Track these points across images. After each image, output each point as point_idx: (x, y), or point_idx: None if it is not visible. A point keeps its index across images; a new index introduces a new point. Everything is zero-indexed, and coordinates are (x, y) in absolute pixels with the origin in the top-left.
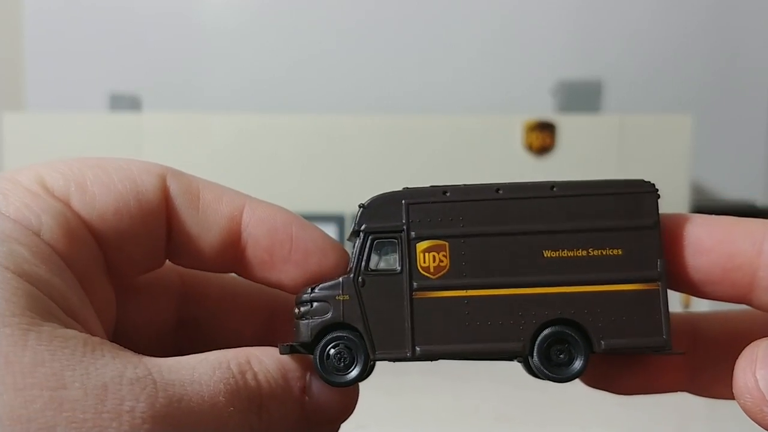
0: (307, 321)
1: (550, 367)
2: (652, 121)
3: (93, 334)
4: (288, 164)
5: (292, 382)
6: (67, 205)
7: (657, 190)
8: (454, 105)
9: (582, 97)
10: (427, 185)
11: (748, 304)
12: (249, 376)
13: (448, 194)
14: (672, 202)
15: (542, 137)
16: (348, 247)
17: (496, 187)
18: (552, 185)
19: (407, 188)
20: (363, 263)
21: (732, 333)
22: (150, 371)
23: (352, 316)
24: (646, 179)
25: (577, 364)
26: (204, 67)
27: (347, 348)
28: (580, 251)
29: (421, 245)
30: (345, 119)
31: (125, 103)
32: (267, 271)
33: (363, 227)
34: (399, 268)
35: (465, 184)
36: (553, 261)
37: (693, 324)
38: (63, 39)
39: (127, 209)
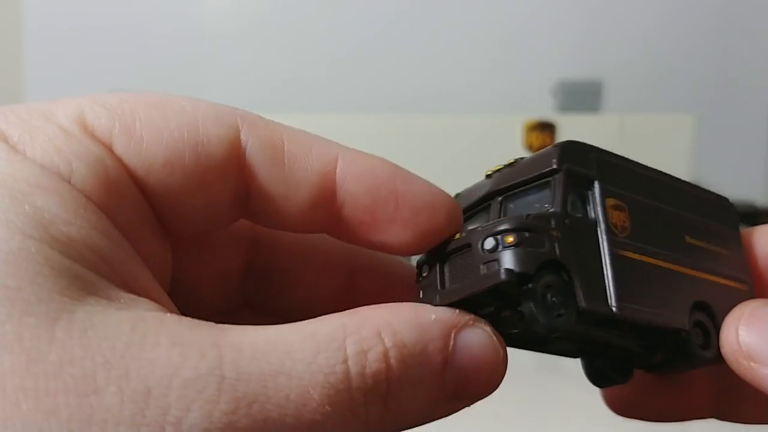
0: (529, 249)
1: (698, 348)
2: (653, 121)
3: (153, 298)
4: None
5: (432, 356)
6: (108, 149)
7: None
8: (454, 105)
9: (582, 97)
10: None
11: None
12: (373, 355)
13: (623, 161)
14: None
15: (542, 137)
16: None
17: (652, 169)
18: (680, 180)
19: (590, 144)
20: (567, 204)
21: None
22: (221, 361)
23: (567, 255)
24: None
25: (714, 348)
26: (204, 66)
27: (559, 292)
28: (705, 243)
29: (610, 201)
30: (344, 119)
31: None
32: (368, 234)
33: (565, 166)
34: (593, 218)
35: (636, 162)
36: (691, 247)
37: None
38: (63, 39)
39: (181, 163)
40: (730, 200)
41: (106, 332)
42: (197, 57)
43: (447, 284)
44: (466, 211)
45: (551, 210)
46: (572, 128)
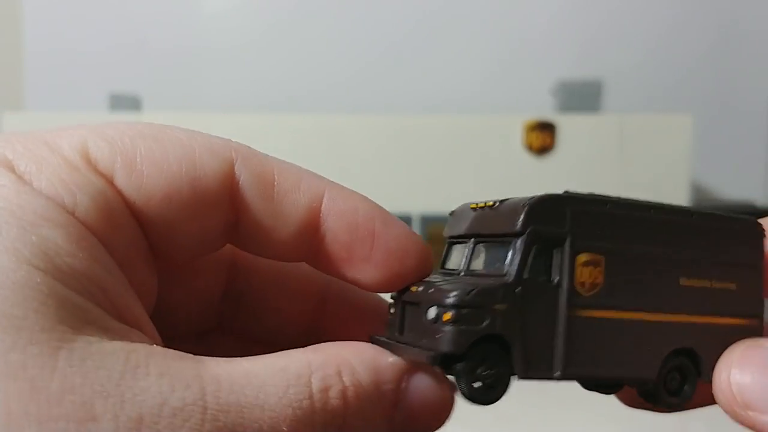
0: (461, 327)
1: (665, 394)
2: (652, 121)
3: (142, 329)
4: None
5: (385, 396)
6: (109, 182)
7: (764, 231)
8: (454, 105)
9: (582, 97)
10: (586, 192)
11: None
12: (334, 393)
13: (608, 206)
14: (672, 202)
15: (542, 137)
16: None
17: (649, 207)
18: (692, 213)
19: (568, 192)
20: (523, 270)
21: None
22: (204, 393)
23: (508, 328)
24: (757, 220)
25: (688, 391)
26: (204, 67)
27: (494, 364)
28: (706, 282)
29: (581, 257)
30: (345, 119)
31: (125, 103)
32: (343, 269)
33: (530, 229)
34: (556, 280)
35: (621, 198)
36: (686, 289)
37: None
38: (63, 39)
39: (179, 195)
40: (757, 222)
41: (103, 361)
42: (197, 57)
43: (405, 330)
44: (452, 237)
45: (504, 279)
46: (572, 128)
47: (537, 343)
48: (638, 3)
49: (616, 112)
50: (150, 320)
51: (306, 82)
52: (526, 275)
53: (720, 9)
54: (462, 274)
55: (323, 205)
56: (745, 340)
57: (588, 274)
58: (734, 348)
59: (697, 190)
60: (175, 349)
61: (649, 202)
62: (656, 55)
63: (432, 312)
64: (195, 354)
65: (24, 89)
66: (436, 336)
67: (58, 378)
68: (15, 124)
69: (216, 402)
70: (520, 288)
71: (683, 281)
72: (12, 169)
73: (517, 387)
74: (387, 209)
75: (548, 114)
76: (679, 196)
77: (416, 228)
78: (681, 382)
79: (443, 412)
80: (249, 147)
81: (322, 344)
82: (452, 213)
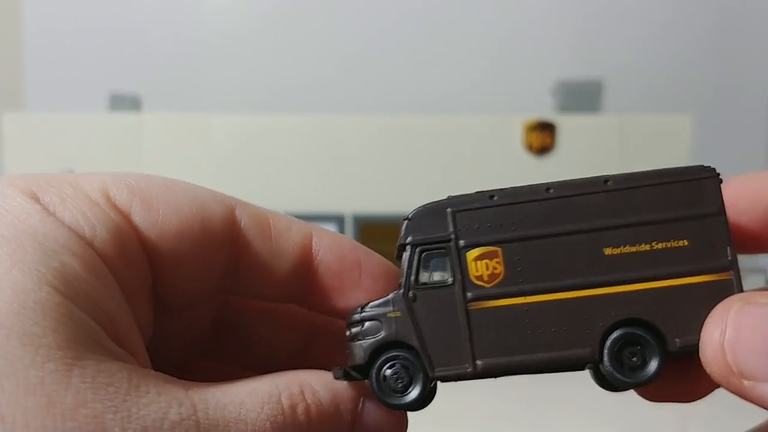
0: (359, 342)
1: (624, 371)
2: (652, 122)
3: (137, 358)
4: (288, 164)
5: (343, 415)
6: (127, 219)
7: (718, 174)
8: (454, 105)
9: (582, 97)
10: (473, 191)
11: None
12: (300, 410)
13: (495, 198)
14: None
15: (542, 137)
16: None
17: (547, 187)
18: (606, 179)
19: (451, 196)
20: (413, 277)
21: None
22: (195, 410)
23: (405, 333)
24: (704, 165)
25: (653, 365)
26: (204, 67)
27: (404, 368)
28: (643, 246)
29: (472, 253)
30: (345, 119)
31: (125, 103)
32: (336, 299)
33: (408, 240)
34: (451, 280)
35: (512, 187)
36: (616, 258)
37: None
38: (63, 39)
39: (191, 233)
40: (710, 168)
41: (111, 379)
42: (197, 57)
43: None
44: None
45: (394, 291)
46: (572, 128)
47: (443, 343)
48: (638, 3)
49: (616, 112)
50: (145, 351)
51: (306, 82)
52: (418, 282)
53: (720, 9)
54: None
55: (314, 241)
56: (738, 296)
57: (484, 268)
58: (725, 308)
59: None
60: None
61: (549, 182)
62: (656, 54)
63: (348, 331)
64: (178, 377)
65: (24, 89)
66: (347, 353)
67: (71, 393)
68: (15, 125)
69: (206, 417)
70: (412, 294)
71: (609, 251)
72: (37, 200)
73: (517, 387)
74: (387, 209)
75: (548, 114)
76: None
77: None
78: (642, 357)
79: (398, 430)
80: (241, 200)
81: (286, 371)
82: None
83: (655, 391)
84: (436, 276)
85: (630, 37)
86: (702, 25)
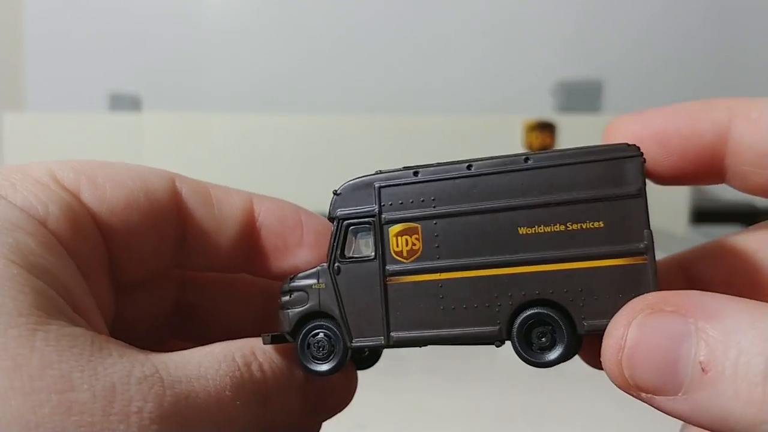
0: (288, 310)
1: (531, 351)
2: None
3: (97, 330)
4: (288, 164)
5: (296, 371)
6: (76, 197)
7: (641, 153)
8: (454, 105)
9: (582, 97)
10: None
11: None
12: (254, 367)
13: (419, 174)
14: (672, 202)
15: (542, 137)
16: None
17: (468, 164)
18: (526, 157)
19: (380, 171)
20: (338, 250)
21: (726, 265)
22: (157, 369)
23: (328, 304)
24: (628, 144)
25: (559, 347)
26: (204, 67)
27: (327, 337)
28: (557, 226)
29: (394, 229)
30: (345, 119)
31: (125, 103)
32: (281, 258)
33: (336, 214)
34: (373, 254)
35: (437, 163)
36: (530, 238)
37: (683, 266)
38: (63, 39)
39: (137, 205)
40: (633, 146)
41: (75, 341)
42: (197, 57)
43: None
44: None
45: (320, 266)
46: (572, 128)
47: (362, 314)
48: (638, 3)
49: (616, 112)
50: (104, 323)
51: (306, 82)
52: (343, 255)
53: (720, 9)
54: None
55: (254, 205)
56: (646, 301)
57: (404, 243)
58: (631, 313)
59: (697, 190)
60: None
61: (471, 159)
62: (656, 55)
63: (279, 300)
64: None
65: (24, 89)
66: (279, 320)
67: (37, 356)
68: (15, 125)
69: (169, 375)
70: (336, 267)
71: (523, 231)
72: None
73: (517, 386)
74: None
75: (548, 114)
76: (679, 196)
77: None
78: (551, 338)
79: (348, 390)
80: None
81: (239, 339)
82: None
83: (593, 358)
84: (364, 249)
85: (630, 37)
86: (702, 25)
